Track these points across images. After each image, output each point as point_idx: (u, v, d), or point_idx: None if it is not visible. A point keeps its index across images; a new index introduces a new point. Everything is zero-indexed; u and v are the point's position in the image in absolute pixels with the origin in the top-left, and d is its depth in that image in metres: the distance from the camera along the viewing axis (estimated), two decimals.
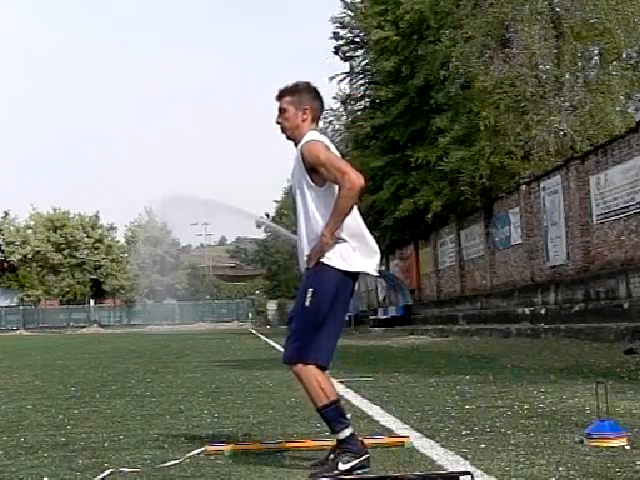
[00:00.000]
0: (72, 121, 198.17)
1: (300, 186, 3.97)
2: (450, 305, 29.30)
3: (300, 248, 4.01)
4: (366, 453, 3.78)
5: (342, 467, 3.69)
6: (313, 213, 3.92)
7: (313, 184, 3.93)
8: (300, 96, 4.07)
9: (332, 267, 3.87)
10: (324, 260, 3.87)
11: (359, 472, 3.71)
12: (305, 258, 3.95)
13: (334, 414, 3.83)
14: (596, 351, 11.09)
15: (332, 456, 3.79)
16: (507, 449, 3.99)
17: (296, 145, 4.06)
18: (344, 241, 3.91)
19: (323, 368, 3.88)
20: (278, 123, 4.11)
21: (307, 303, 3.85)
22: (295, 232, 4.17)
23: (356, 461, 3.71)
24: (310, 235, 3.92)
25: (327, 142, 4.02)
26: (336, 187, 3.88)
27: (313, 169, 3.91)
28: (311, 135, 4.02)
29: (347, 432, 3.80)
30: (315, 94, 4.13)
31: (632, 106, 23.45)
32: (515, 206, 23.52)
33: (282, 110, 4.08)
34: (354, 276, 3.97)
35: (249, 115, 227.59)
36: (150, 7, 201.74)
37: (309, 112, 4.07)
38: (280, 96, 4.11)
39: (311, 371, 3.84)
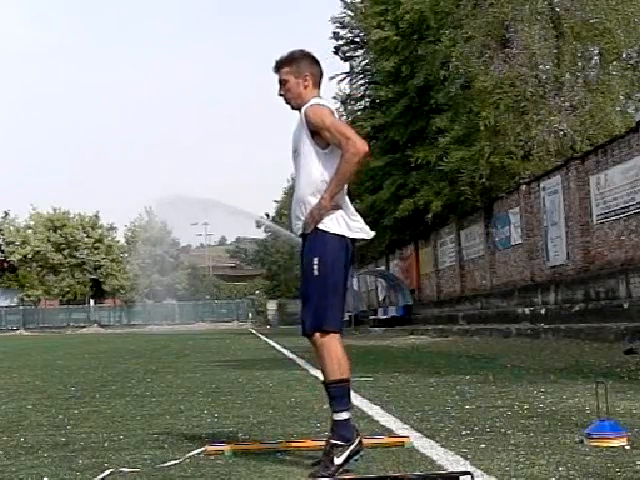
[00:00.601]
0: (72, 121, 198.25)
1: (302, 149, 3.94)
2: (450, 305, 29.29)
3: (297, 211, 3.98)
4: (357, 436, 3.79)
5: (338, 461, 3.68)
6: (315, 175, 3.89)
7: (316, 146, 3.90)
8: (298, 64, 4.04)
9: (333, 234, 3.86)
10: (323, 227, 3.86)
11: (356, 458, 3.72)
12: (301, 223, 3.93)
13: (341, 392, 3.83)
14: (596, 351, 11.08)
15: (327, 449, 3.77)
16: (507, 449, 3.99)
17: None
18: (340, 208, 3.90)
19: (339, 331, 3.89)
20: (281, 95, 4.08)
21: (316, 272, 3.84)
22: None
23: (349, 450, 3.71)
24: (311, 197, 3.89)
25: (332, 108, 4.01)
26: (338, 150, 3.86)
27: (316, 132, 3.88)
28: (316, 100, 4.00)
29: (345, 415, 3.80)
30: (312, 60, 4.10)
31: (632, 106, 23.45)
32: (515, 206, 23.53)
33: (282, 82, 4.05)
34: (353, 242, 3.95)
35: (250, 115, 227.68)
36: (150, 8, 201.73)
37: (310, 78, 4.04)
38: (278, 68, 4.07)
39: (333, 342, 3.83)
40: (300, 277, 4.09)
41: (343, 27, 37.77)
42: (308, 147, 3.91)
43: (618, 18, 20.74)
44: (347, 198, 4.00)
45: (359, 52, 37.86)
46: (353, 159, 3.79)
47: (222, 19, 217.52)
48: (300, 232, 3.96)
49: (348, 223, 3.92)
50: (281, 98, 4.11)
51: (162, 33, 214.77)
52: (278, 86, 4.10)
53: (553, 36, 21.79)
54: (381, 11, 31.61)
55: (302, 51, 4.13)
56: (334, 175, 3.83)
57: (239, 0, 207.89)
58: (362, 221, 4.03)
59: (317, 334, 3.84)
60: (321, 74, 4.12)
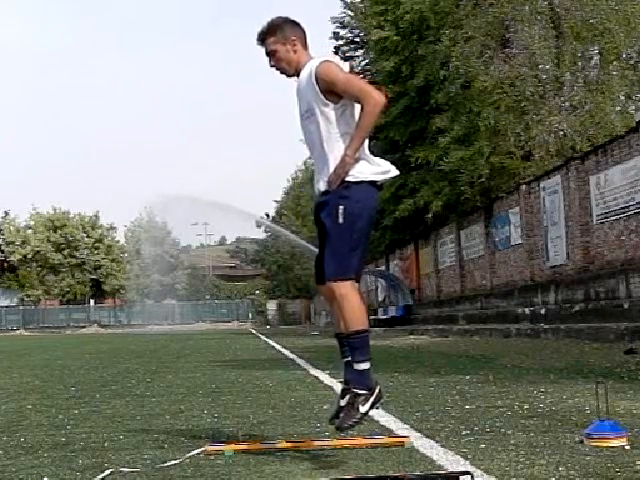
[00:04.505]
0: (72, 121, 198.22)
1: (316, 108, 3.90)
2: (450, 305, 29.28)
3: (320, 171, 3.95)
4: (377, 384, 3.84)
5: (363, 409, 3.74)
6: (334, 131, 3.88)
7: (328, 102, 3.87)
8: (282, 31, 4.00)
9: (357, 182, 3.86)
10: (349, 178, 3.85)
11: (377, 405, 3.81)
12: (325, 179, 3.90)
13: (363, 342, 3.83)
14: (596, 351, 11.08)
15: (347, 399, 3.81)
16: (507, 449, 3.98)
17: (299, 76, 4.00)
18: (362, 159, 3.90)
19: (358, 280, 3.93)
20: (272, 67, 4.05)
21: (340, 220, 3.83)
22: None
23: (372, 398, 3.78)
24: (333, 153, 3.88)
25: (339, 62, 3.99)
26: (350, 104, 3.86)
27: (328, 89, 3.85)
28: (320, 58, 3.97)
29: (366, 365, 3.82)
30: (293, 23, 4.07)
31: (632, 106, 23.45)
32: (515, 206, 23.52)
33: (271, 53, 4.01)
34: (377, 187, 3.97)
35: (250, 115, 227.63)
36: (149, 9, 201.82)
37: (298, 41, 4.01)
38: (262, 40, 4.03)
39: (353, 292, 3.83)
40: (317, 230, 4.05)
41: (343, 27, 37.78)
42: (322, 105, 3.88)
43: (618, 18, 20.75)
44: (366, 146, 3.99)
45: (359, 52, 37.87)
46: (374, 111, 3.79)
47: (221, 19, 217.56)
48: (324, 189, 3.92)
49: (372, 169, 3.93)
50: (274, 69, 4.06)
51: (162, 33, 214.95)
52: (267, 59, 4.05)
53: (553, 36, 21.80)
54: (381, 11, 31.59)
55: (280, 17, 4.09)
56: (356, 130, 3.81)
57: (239, 0, 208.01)
58: (384, 162, 4.04)
59: (336, 283, 3.83)
60: (305, 34, 4.07)
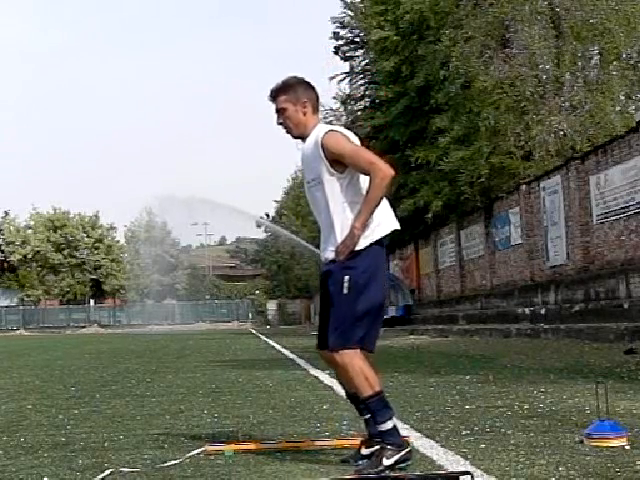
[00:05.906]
0: (72, 121, 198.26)
1: (323, 177, 3.89)
2: (450, 305, 29.28)
3: (327, 239, 3.93)
4: (408, 445, 3.80)
5: (386, 462, 3.69)
6: (340, 200, 3.86)
7: (334, 172, 3.87)
8: (295, 91, 4.00)
9: (364, 249, 3.83)
10: (355, 248, 3.83)
11: (402, 465, 3.72)
12: (332, 249, 3.87)
13: (379, 405, 3.81)
14: (596, 351, 11.08)
15: (373, 450, 3.78)
16: (507, 449, 3.99)
17: (303, 140, 4.00)
18: (368, 225, 3.86)
19: (369, 351, 3.90)
20: (280, 124, 4.04)
21: (345, 291, 3.81)
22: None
23: (398, 455, 3.72)
24: (340, 222, 3.85)
25: (345, 132, 3.99)
26: (355, 173, 3.86)
27: (335, 160, 3.85)
28: (326, 126, 3.97)
29: (390, 424, 3.79)
30: (307, 85, 4.06)
31: (632, 106, 23.44)
32: (515, 206, 23.51)
33: (281, 110, 4.00)
34: (382, 243, 3.93)
35: (250, 115, 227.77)
36: (154, 9, 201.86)
37: (309, 104, 4.00)
38: (275, 97, 4.02)
39: (356, 360, 3.80)
40: (320, 295, 4.03)
41: (343, 27, 37.73)
42: (329, 175, 3.87)
43: (618, 18, 20.73)
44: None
45: (359, 52, 37.81)
46: (382, 184, 3.79)
47: (222, 18, 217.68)
48: (331, 258, 3.89)
49: (375, 228, 3.87)
50: (280, 127, 4.05)
51: (162, 33, 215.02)
52: (276, 115, 4.04)
53: (553, 36, 21.78)
54: (381, 11, 31.55)
55: (296, 77, 4.08)
56: (364, 202, 3.80)
57: (239, 0, 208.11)
58: (386, 210, 3.97)
59: (338, 353, 3.82)
60: (317, 98, 4.08)
